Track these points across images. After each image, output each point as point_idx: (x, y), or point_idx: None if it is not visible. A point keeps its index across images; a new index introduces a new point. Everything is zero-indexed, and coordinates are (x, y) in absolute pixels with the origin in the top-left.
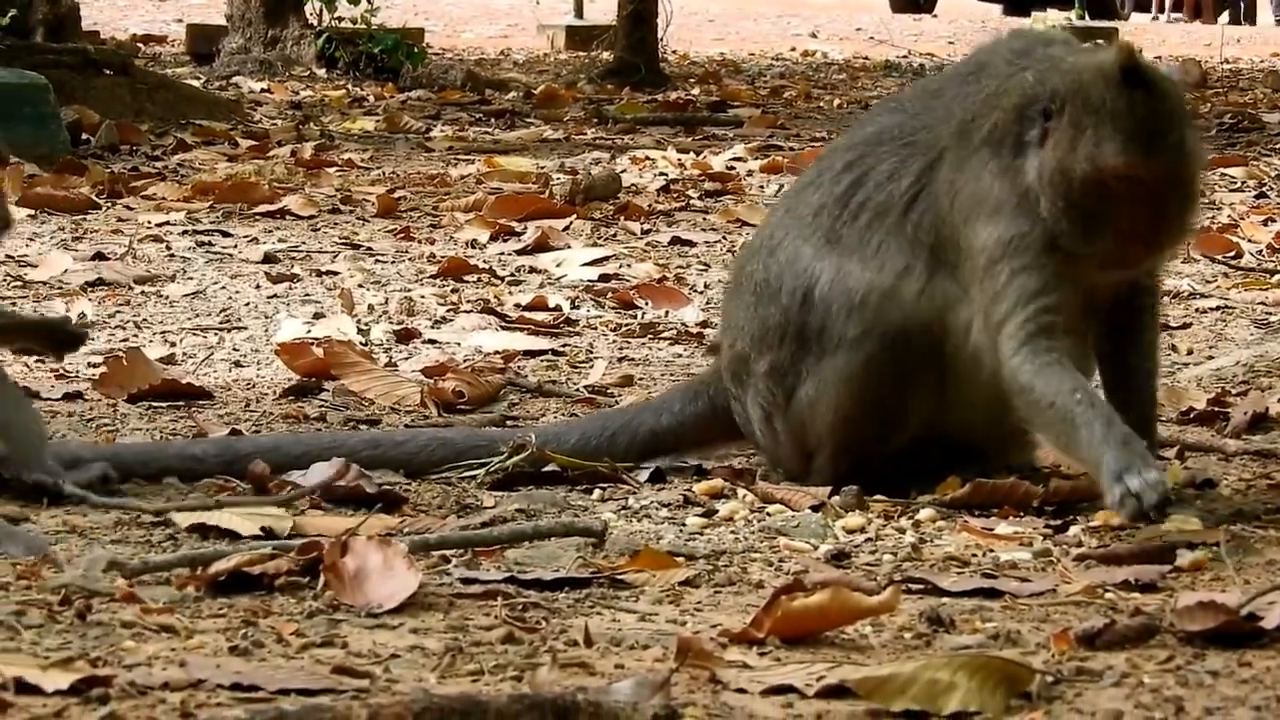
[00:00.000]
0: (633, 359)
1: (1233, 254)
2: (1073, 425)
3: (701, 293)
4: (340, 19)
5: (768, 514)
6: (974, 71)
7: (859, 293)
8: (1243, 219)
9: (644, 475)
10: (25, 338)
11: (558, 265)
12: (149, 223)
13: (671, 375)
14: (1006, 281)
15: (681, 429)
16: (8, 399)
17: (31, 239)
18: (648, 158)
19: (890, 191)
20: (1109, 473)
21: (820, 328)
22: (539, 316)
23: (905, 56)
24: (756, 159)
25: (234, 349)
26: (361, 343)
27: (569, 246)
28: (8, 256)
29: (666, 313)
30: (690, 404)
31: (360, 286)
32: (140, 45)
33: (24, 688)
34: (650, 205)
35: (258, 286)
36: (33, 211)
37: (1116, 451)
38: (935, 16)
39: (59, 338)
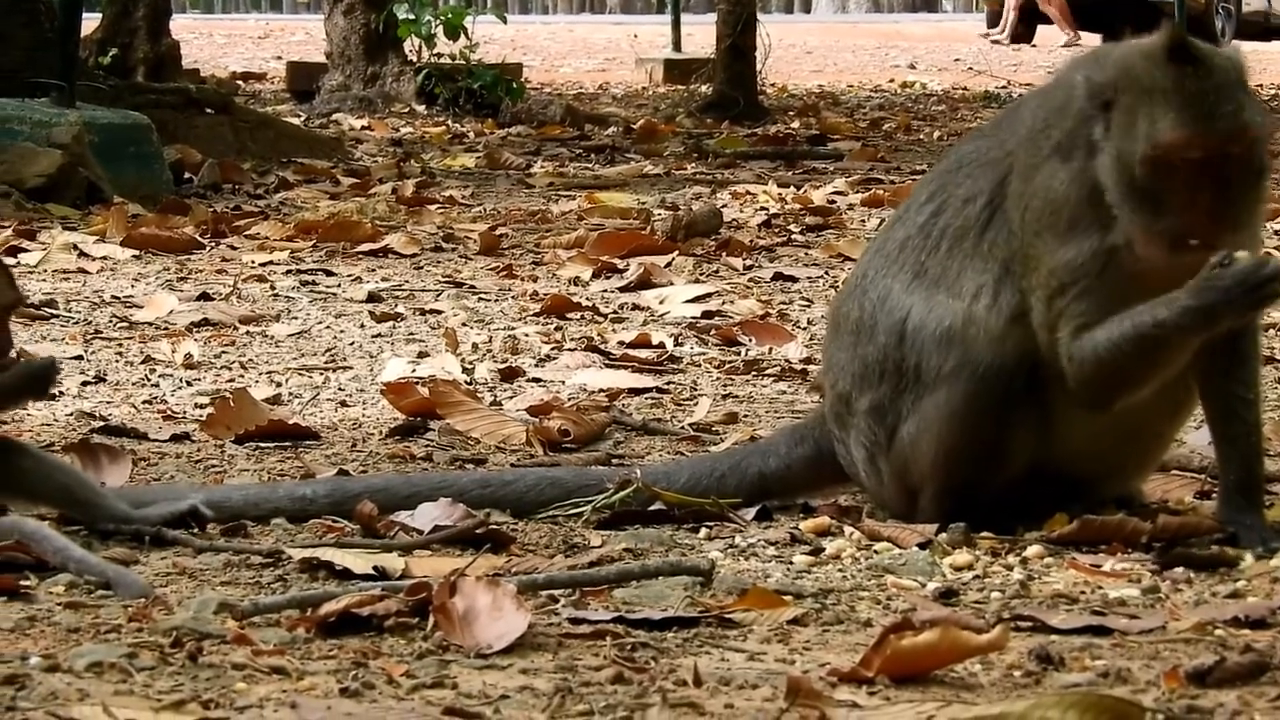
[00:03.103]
0: (737, 396)
1: None
2: (1151, 323)
3: (805, 329)
4: (439, 55)
5: (875, 552)
6: (1049, 88)
7: (947, 324)
8: None
9: (750, 513)
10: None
11: (660, 302)
12: (253, 262)
13: (776, 413)
14: (1073, 304)
15: (788, 472)
16: (45, 462)
17: (136, 279)
18: (748, 192)
19: (966, 215)
20: (1194, 292)
21: (916, 364)
22: (643, 354)
23: (1005, 87)
24: (857, 192)
25: (340, 389)
26: (466, 382)
27: (671, 283)
28: (113, 298)
29: (770, 349)
30: (796, 447)
31: (464, 325)
32: (240, 83)
33: None
34: (752, 241)
35: (362, 326)
36: (137, 252)
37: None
38: (1034, 46)
39: (35, 384)
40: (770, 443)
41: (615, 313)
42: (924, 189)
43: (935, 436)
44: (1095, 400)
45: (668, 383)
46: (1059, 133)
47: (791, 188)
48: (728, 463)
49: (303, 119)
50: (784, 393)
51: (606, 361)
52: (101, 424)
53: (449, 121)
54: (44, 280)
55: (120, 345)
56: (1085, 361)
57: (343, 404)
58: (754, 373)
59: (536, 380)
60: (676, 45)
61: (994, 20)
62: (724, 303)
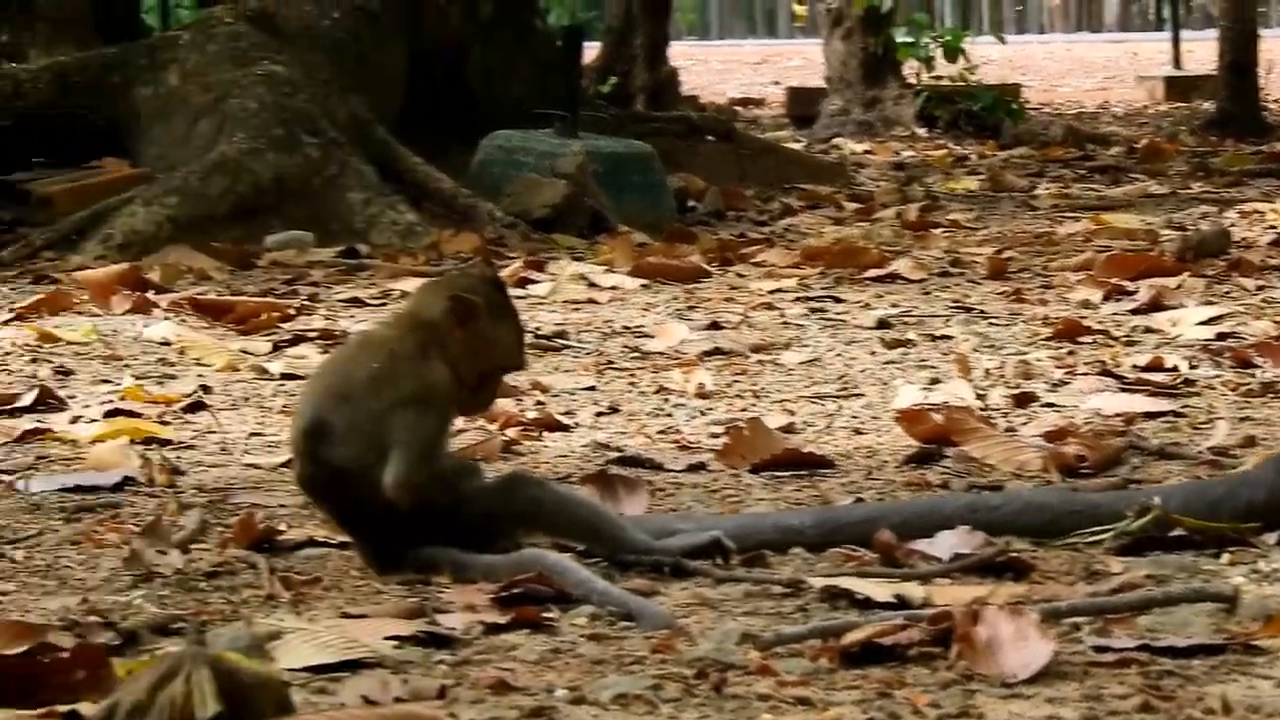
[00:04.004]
0: (1254, 419)
1: None
2: None
3: None
4: (938, 77)
5: None
6: None
7: None
8: None
9: (1272, 538)
10: None
11: (1172, 324)
12: (760, 290)
13: None
14: None
15: (1273, 500)
16: (569, 498)
17: (646, 309)
18: (1256, 210)
19: None
20: None
21: None
22: (1156, 377)
23: None
24: None
25: (853, 416)
26: (979, 408)
27: (1182, 305)
28: (624, 328)
29: None
30: (1277, 477)
31: (975, 350)
32: (738, 109)
33: None
34: (1262, 260)
35: (872, 353)
36: (645, 281)
37: None
38: None
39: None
40: (1257, 472)
41: (1127, 336)
42: None
43: None
44: None
45: (1183, 406)
46: None
47: None
48: (1222, 488)
49: (803, 144)
50: None
51: (1120, 385)
52: (617, 454)
53: (949, 144)
54: (554, 311)
55: (633, 375)
56: None
57: (856, 431)
58: (1271, 395)
59: (1050, 405)
60: (1176, 62)
61: None
62: (1237, 324)
